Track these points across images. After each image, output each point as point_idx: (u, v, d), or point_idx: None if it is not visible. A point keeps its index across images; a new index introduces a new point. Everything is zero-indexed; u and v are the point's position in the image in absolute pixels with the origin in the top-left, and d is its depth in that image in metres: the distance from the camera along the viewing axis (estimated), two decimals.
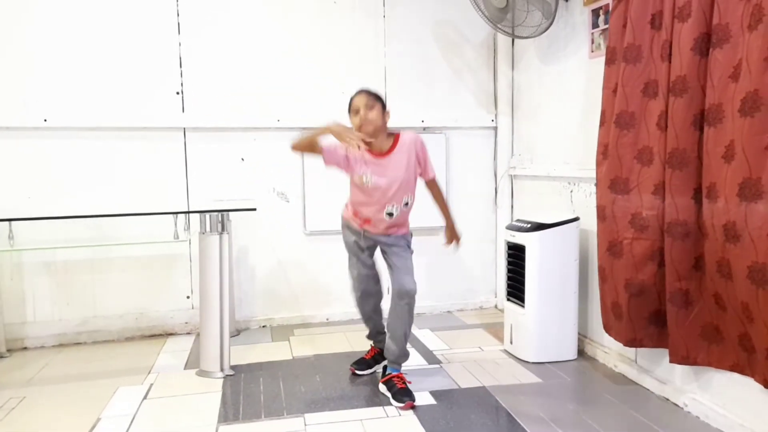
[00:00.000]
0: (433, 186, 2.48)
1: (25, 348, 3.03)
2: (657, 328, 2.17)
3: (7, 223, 2.62)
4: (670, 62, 2.04)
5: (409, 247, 2.45)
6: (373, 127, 2.24)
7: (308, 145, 2.24)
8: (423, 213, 3.46)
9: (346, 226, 2.48)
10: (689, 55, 1.94)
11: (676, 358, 2.09)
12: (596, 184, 2.43)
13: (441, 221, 3.47)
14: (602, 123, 2.36)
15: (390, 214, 2.33)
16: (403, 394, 2.25)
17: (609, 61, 2.30)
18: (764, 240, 1.68)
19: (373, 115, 2.25)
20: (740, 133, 1.74)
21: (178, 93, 3.15)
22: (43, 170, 3.02)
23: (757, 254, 1.70)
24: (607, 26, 2.54)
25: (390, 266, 2.42)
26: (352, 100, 2.29)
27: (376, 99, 2.29)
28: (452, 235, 2.54)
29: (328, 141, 2.22)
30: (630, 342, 2.23)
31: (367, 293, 2.51)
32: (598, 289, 2.39)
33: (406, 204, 2.37)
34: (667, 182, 2.05)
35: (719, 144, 1.84)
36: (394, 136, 2.33)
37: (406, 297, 2.32)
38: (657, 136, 2.10)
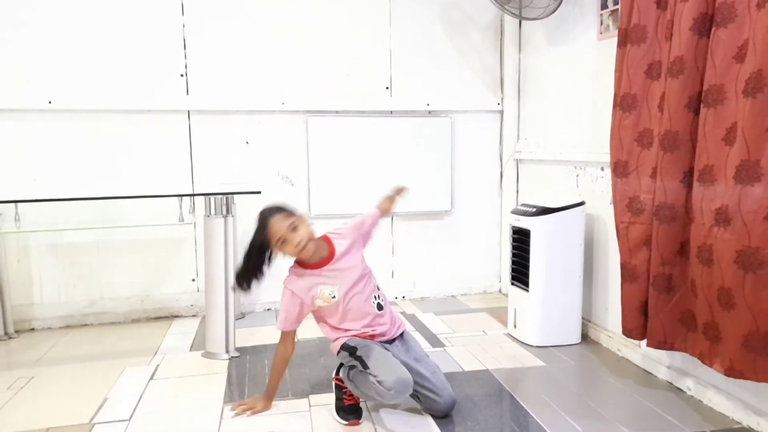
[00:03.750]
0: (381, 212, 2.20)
1: (33, 329, 3.06)
2: (646, 320, 2.15)
3: (13, 205, 2.63)
4: (671, 42, 2.00)
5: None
6: (314, 246, 1.95)
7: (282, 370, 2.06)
8: (427, 197, 3.48)
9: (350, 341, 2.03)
10: (688, 35, 1.90)
11: (653, 342, 2.09)
12: (603, 168, 2.42)
13: (446, 205, 3.52)
14: (614, 106, 2.33)
15: (380, 306, 2.07)
16: (348, 412, 2.00)
17: (621, 44, 2.27)
18: (759, 224, 1.66)
19: (302, 232, 1.92)
20: (742, 115, 1.71)
21: (182, 75, 3.13)
22: (48, 152, 3.02)
23: (749, 238, 1.68)
24: (616, 7, 2.50)
25: (419, 375, 1.97)
26: (264, 234, 1.93)
27: (290, 213, 1.95)
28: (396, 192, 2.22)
29: (285, 323, 2.01)
30: (623, 330, 2.22)
31: (407, 383, 1.87)
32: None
33: (379, 288, 2.12)
34: (659, 165, 2.03)
35: (719, 126, 1.80)
36: (324, 239, 2.04)
37: (448, 410, 1.99)
38: (658, 119, 2.08)
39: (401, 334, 2.15)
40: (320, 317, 2.07)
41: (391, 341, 2.09)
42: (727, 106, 1.79)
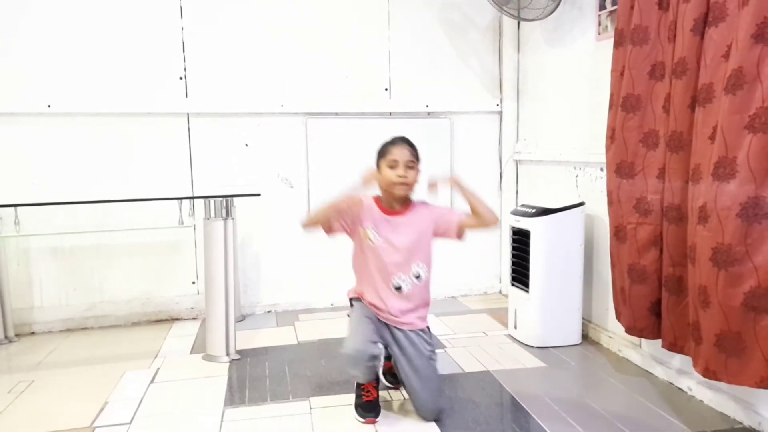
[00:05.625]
0: (471, 222, 2.04)
1: (33, 333, 3.06)
2: (658, 320, 2.15)
3: (12, 208, 2.63)
4: (674, 43, 2.01)
5: (433, 350, 2.04)
6: (407, 192, 2.00)
7: (320, 222, 2.01)
8: (428, 198, 3.47)
9: (357, 300, 2.10)
10: (689, 36, 1.90)
11: (666, 344, 2.09)
12: (602, 169, 2.42)
13: (446, 206, 3.51)
14: (610, 107, 2.33)
15: (398, 288, 2.02)
16: (366, 409, 2.00)
17: (617, 44, 2.27)
18: (731, 220, 1.66)
19: (413, 176, 1.99)
20: (722, 112, 1.71)
21: (181, 78, 3.14)
22: (48, 156, 3.02)
23: (723, 235, 1.68)
24: (614, 8, 2.50)
25: (407, 375, 1.99)
26: (389, 148, 2.01)
27: (418, 157, 2.02)
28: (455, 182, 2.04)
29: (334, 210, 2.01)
30: (630, 330, 2.23)
31: (358, 356, 1.92)
32: (611, 274, 2.38)
33: (418, 277, 2.03)
34: (667, 165, 2.03)
35: (707, 125, 1.80)
36: (411, 200, 2.07)
37: (429, 418, 1.99)
38: (663, 119, 2.08)
39: (411, 331, 2.04)
40: (358, 248, 2.09)
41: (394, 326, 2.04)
42: (714, 104, 1.78)
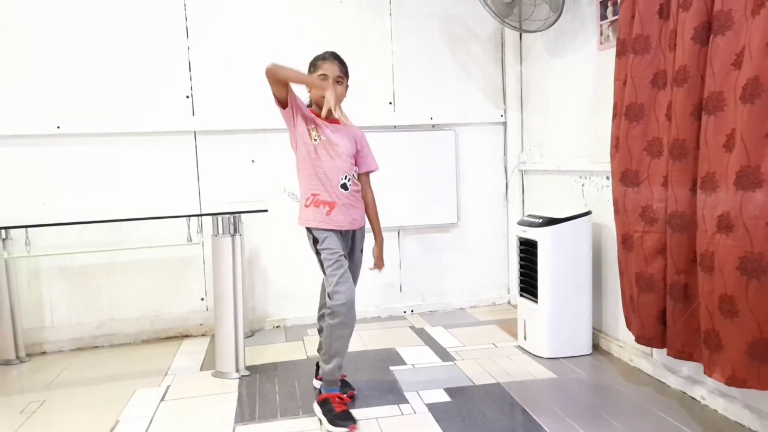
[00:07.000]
0: (366, 184, 2.26)
1: (44, 352, 3.07)
2: (666, 328, 2.14)
3: (23, 229, 2.66)
4: (675, 52, 2.02)
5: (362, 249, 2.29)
6: (333, 106, 2.07)
7: (286, 80, 2.02)
8: (433, 210, 3.48)
9: (315, 226, 2.15)
10: (689, 44, 1.91)
11: (672, 351, 2.08)
12: (608, 177, 2.42)
13: (453, 218, 3.52)
14: (614, 116, 2.34)
15: (345, 187, 2.14)
16: (344, 418, 2.05)
17: (619, 53, 2.28)
18: (761, 229, 1.65)
19: (340, 91, 2.13)
20: (741, 121, 1.72)
21: (187, 97, 3.17)
22: (58, 176, 3.06)
23: (752, 244, 1.67)
24: (615, 17, 2.52)
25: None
26: (319, 62, 2.11)
27: (346, 74, 2.16)
28: (380, 258, 2.32)
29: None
30: (639, 338, 2.22)
31: (352, 305, 2.09)
32: (619, 282, 2.37)
33: (355, 176, 2.21)
34: (669, 173, 2.03)
35: (720, 133, 1.81)
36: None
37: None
38: (666, 127, 2.09)
39: (358, 230, 2.24)
40: (303, 152, 2.15)
41: (344, 232, 2.19)
42: (726, 112, 1.79)
